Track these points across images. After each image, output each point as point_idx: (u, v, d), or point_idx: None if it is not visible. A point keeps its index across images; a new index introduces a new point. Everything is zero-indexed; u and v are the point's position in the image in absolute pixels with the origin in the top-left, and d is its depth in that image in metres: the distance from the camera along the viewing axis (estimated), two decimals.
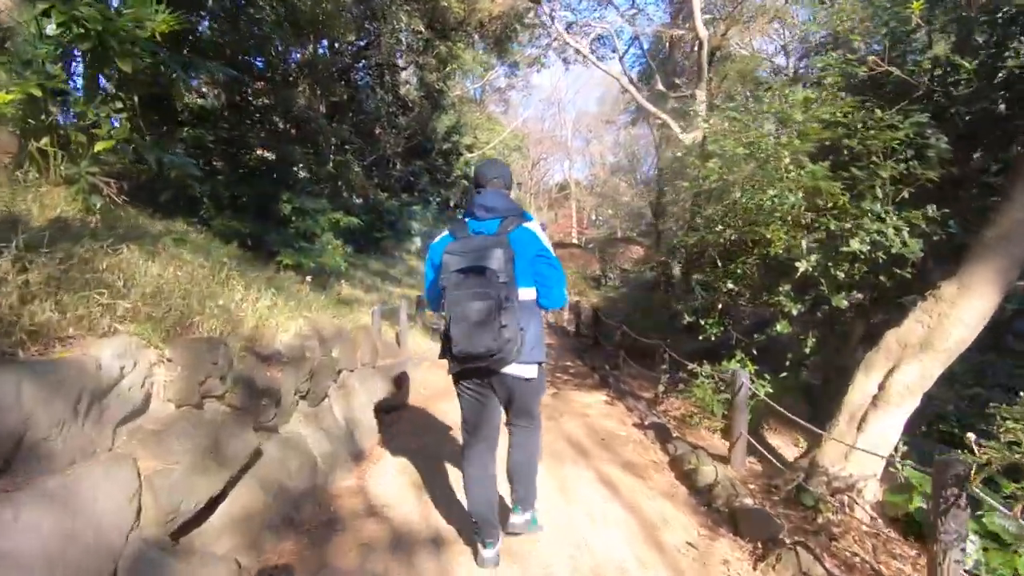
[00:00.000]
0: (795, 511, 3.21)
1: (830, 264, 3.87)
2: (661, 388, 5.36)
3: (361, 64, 20.66)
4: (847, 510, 3.15)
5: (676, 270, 13.30)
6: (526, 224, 2.45)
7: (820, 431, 3.40)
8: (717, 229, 4.68)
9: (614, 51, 17.20)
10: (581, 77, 57.29)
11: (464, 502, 2.79)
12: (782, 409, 3.54)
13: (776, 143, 4.03)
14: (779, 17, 18.69)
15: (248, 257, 7.43)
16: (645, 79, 17.29)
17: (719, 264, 4.71)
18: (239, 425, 2.96)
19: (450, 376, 2.62)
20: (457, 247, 2.34)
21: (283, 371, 3.58)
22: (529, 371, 2.47)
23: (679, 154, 8.14)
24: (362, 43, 18.34)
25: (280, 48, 14.29)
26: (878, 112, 3.64)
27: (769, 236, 4.02)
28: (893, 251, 3.52)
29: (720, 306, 4.79)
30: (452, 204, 24.69)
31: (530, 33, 17.64)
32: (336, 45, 18.90)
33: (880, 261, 3.66)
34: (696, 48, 11.83)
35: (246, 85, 8.87)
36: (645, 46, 17.68)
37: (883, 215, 3.63)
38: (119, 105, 3.77)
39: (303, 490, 3.37)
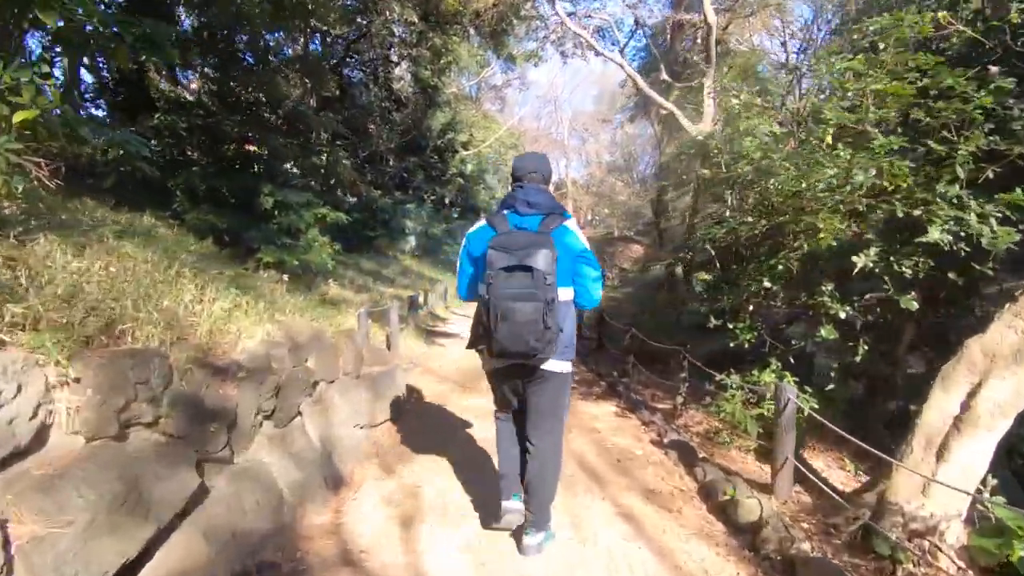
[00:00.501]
0: (864, 560, 2.60)
1: (893, 258, 3.27)
2: (680, 399, 4.75)
3: (354, 59, 20.03)
4: (929, 558, 2.55)
5: (679, 269, 12.72)
6: (566, 223, 2.42)
7: (887, 457, 2.80)
8: (749, 220, 4.07)
9: (614, 43, 16.62)
10: (578, 74, 56.91)
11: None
12: (841, 432, 2.93)
13: (829, 116, 3.43)
14: (779, 8, 18.14)
15: (224, 255, 6.79)
16: (647, 71, 16.68)
17: (751, 259, 4.10)
18: (175, 459, 2.33)
19: (483, 366, 2.79)
20: (502, 242, 2.26)
21: (240, 387, 2.95)
22: (563, 366, 2.49)
23: (700, 138, 7.53)
24: (354, 36, 17.68)
25: (271, 43, 13.80)
26: (949, 79, 3.05)
27: (820, 225, 3.39)
28: (983, 242, 2.93)
29: (751, 307, 4.19)
30: (447, 202, 24.06)
31: (527, 26, 17.01)
32: (328, 39, 18.27)
33: (961, 254, 3.06)
34: (703, 37, 11.25)
35: (233, 78, 8.29)
36: (645, 39, 17.09)
37: (959, 200, 3.04)
38: (45, 69, 3.12)
39: (264, 532, 2.75)
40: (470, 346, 2.60)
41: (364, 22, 17.12)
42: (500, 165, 36.76)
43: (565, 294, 2.38)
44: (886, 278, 3.29)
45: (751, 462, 3.93)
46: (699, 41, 15.30)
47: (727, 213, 4.85)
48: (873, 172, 3.18)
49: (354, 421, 4.44)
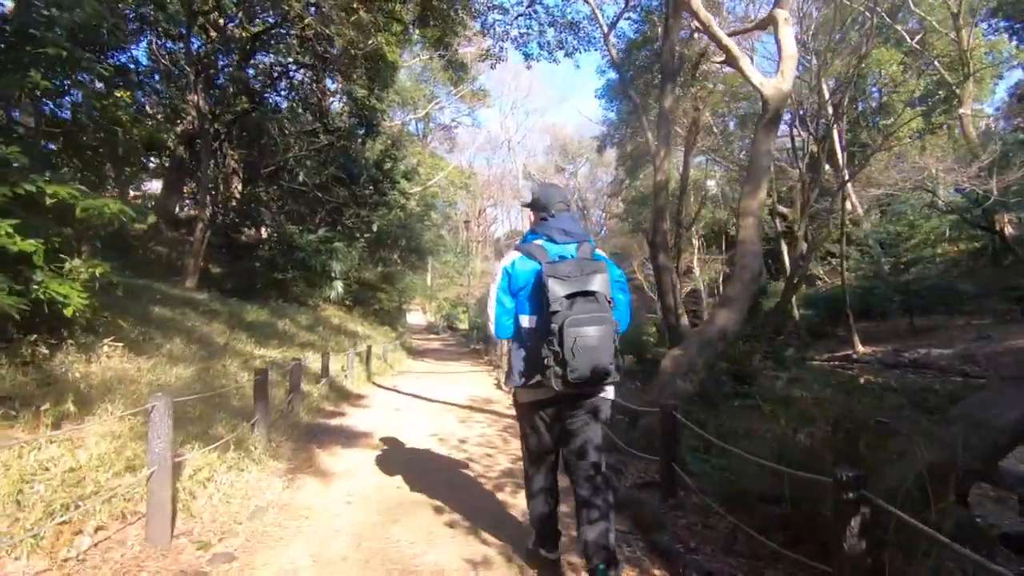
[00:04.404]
0: None
1: None
2: None
3: (265, 61, 15.66)
4: None
5: None
6: (597, 250, 2.35)
7: None
8: None
9: (590, 42, 12.94)
10: (529, 117, 54.76)
11: None
12: None
13: None
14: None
15: None
16: (637, 67, 13.16)
17: None
18: None
19: (522, 404, 2.41)
20: (557, 271, 2.12)
21: None
22: (612, 391, 2.34)
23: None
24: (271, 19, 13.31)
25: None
26: None
27: None
28: None
29: None
30: (387, 241, 19.39)
31: (482, 21, 13.20)
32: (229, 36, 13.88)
33: None
34: None
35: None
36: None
37: None
38: None
39: None
40: (515, 385, 2.31)
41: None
42: (448, 206, 32.71)
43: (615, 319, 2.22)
44: None
45: None
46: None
47: None
48: None
49: None
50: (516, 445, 5.03)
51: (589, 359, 2.03)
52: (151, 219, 16.23)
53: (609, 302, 2.13)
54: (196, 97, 11.97)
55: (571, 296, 2.07)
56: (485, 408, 6.86)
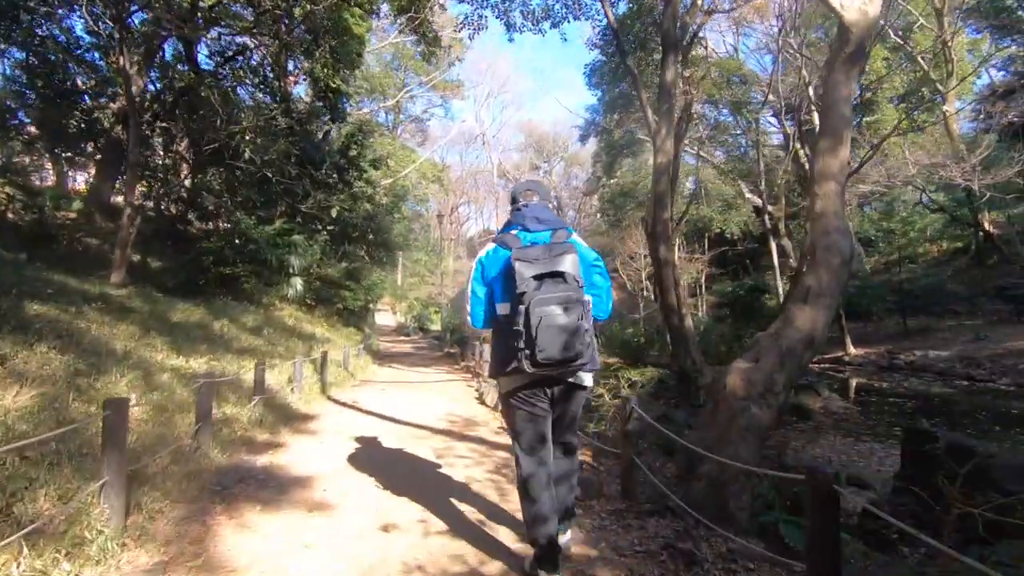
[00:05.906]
0: None
1: None
2: None
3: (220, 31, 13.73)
4: None
5: None
6: (573, 236, 2.30)
7: None
8: None
9: (575, 18, 11.47)
10: (505, 109, 53.07)
11: None
12: None
13: None
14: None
15: None
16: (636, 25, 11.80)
17: None
18: None
19: (504, 395, 2.34)
20: (526, 254, 2.13)
21: None
22: (589, 379, 2.34)
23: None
24: None
25: None
26: None
27: None
28: None
29: None
30: (354, 235, 17.47)
31: None
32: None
33: None
34: None
35: None
36: None
37: None
38: None
39: None
40: (494, 374, 2.32)
41: None
42: (419, 203, 30.90)
43: (588, 301, 2.21)
44: None
45: None
46: None
47: None
48: None
49: None
50: (517, 499, 3.53)
51: (556, 338, 1.99)
52: (76, 204, 13.94)
53: (580, 284, 2.08)
54: (122, 60, 10.01)
55: (539, 277, 2.05)
56: (467, 434, 5.31)
